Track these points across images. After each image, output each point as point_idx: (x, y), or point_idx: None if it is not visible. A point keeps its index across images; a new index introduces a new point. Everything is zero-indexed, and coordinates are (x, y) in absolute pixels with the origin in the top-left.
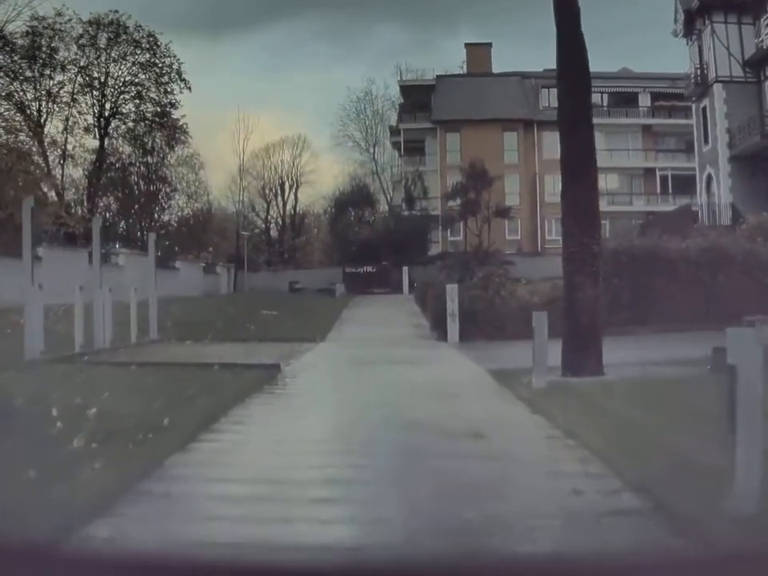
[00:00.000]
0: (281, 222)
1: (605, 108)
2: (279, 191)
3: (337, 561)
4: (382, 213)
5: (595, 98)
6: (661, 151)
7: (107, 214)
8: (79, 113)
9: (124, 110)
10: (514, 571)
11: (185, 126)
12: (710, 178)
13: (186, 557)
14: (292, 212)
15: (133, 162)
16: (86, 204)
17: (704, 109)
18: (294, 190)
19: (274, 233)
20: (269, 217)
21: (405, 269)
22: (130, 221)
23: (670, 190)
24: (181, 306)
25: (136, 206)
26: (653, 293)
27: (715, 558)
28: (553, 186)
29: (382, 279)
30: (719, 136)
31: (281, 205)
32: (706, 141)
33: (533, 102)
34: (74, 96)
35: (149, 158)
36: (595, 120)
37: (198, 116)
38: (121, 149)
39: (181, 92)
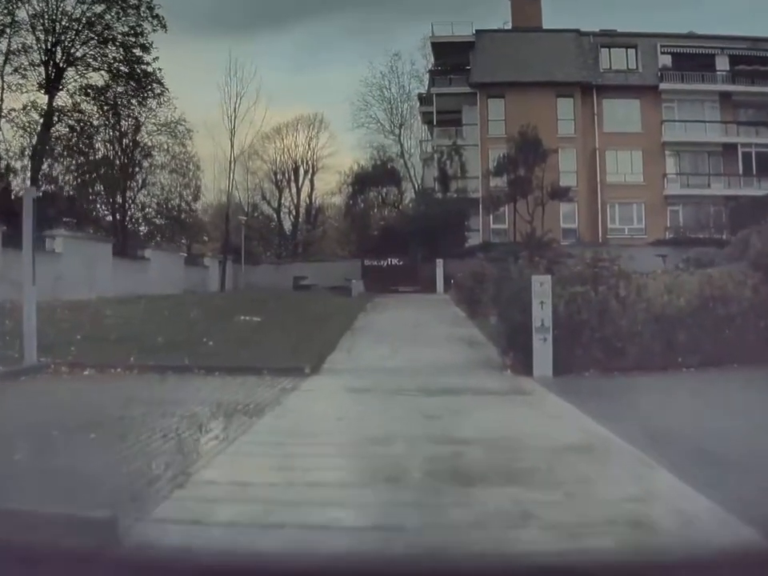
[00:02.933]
0: (294, 212)
1: (675, 72)
2: (293, 177)
3: (336, 560)
4: (410, 200)
5: (663, 59)
6: (742, 124)
7: (60, 188)
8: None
9: (82, 56)
10: (514, 571)
11: (160, 75)
12: None
13: (186, 557)
14: (307, 200)
15: (102, 124)
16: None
17: None
18: (309, 176)
19: (288, 224)
20: (281, 205)
21: (439, 262)
22: (94, 197)
23: (754, 171)
24: (126, 308)
25: (95, 179)
26: None
27: (716, 559)
28: (616, 164)
29: (410, 275)
30: None
31: (294, 192)
32: None
33: (591, 63)
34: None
35: (122, 121)
36: (664, 85)
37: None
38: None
39: (154, 31)
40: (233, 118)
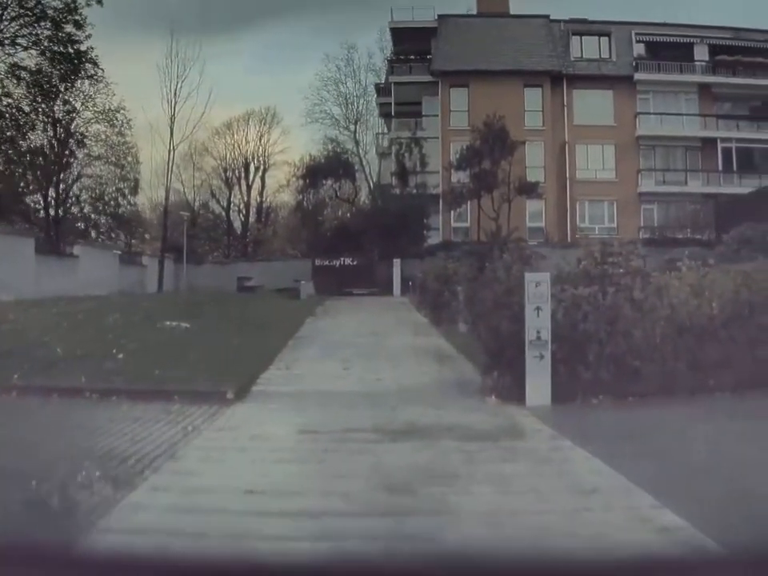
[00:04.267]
0: (244, 210)
1: (651, 62)
2: (243, 174)
3: (334, 561)
4: (366, 195)
5: (638, 48)
6: (723, 117)
7: None
8: None
9: (11, 36)
10: (515, 572)
11: (94, 55)
12: None
13: (185, 557)
14: (258, 198)
15: (33, 110)
16: None
17: None
18: (261, 173)
19: (239, 223)
20: (231, 203)
21: (396, 262)
22: (23, 190)
23: (735, 167)
24: (36, 313)
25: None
26: None
27: (716, 559)
28: (586, 159)
29: (365, 275)
30: None
31: (244, 190)
32: None
33: (562, 51)
34: None
35: (55, 107)
36: (639, 76)
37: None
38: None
39: (88, 5)
40: (173, 103)
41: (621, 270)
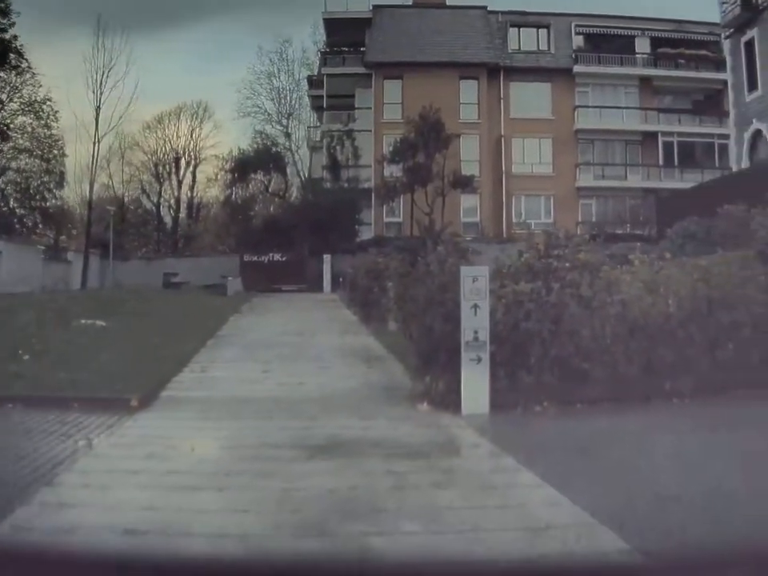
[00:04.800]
0: (175, 205)
1: (591, 54)
2: (174, 168)
3: (332, 562)
4: (296, 190)
5: (578, 40)
6: (664, 111)
7: None
8: None
9: None
10: (514, 572)
11: (19, 45)
12: (756, 136)
13: (184, 557)
14: (189, 193)
15: None
16: None
17: (749, 43)
18: (192, 168)
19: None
20: (161, 198)
21: (326, 258)
22: None
23: (676, 161)
24: None
25: None
26: None
27: (715, 558)
28: (522, 153)
29: (295, 272)
30: None
31: (175, 185)
32: (753, 86)
33: (499, 43)
34: None
35: None
36: (579, 68)
37: None
38: None
39: None
40: (98, 94)
41: (567, 264)
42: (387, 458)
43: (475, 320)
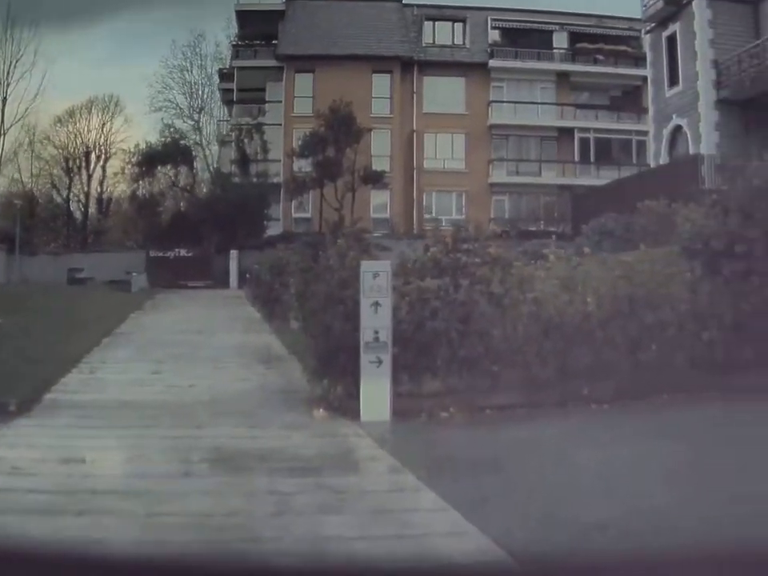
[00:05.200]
0: (84, 200)
1: (507, 49)
2: (84, 163)
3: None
4: (204, 184)
5: (494, 35)
6: (581, 107)
7: None
8: None
9: None
10: (513, 572)
11: None
12: (675, 132)
13: (183, 557)
14: (99, 188)
15: None
16: None
17: (671, 38)
18: (102, 162)
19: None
20: (71, 193)
21: (233, 254)
22: None
23: (593, 158)
24: None
25: None
26: None
27: (715, 558)
28: (435, 148)
29: (202, 268)
30: (701, 72)
31: (85, 179)
32: (674, 82)
33: (414, 36)
34: None
35: None
36: (494, 63)
37: None
38: None
39: None
40: (5, 85)
41: (477, 260)
42: (273, 475)
43: (376, 319)
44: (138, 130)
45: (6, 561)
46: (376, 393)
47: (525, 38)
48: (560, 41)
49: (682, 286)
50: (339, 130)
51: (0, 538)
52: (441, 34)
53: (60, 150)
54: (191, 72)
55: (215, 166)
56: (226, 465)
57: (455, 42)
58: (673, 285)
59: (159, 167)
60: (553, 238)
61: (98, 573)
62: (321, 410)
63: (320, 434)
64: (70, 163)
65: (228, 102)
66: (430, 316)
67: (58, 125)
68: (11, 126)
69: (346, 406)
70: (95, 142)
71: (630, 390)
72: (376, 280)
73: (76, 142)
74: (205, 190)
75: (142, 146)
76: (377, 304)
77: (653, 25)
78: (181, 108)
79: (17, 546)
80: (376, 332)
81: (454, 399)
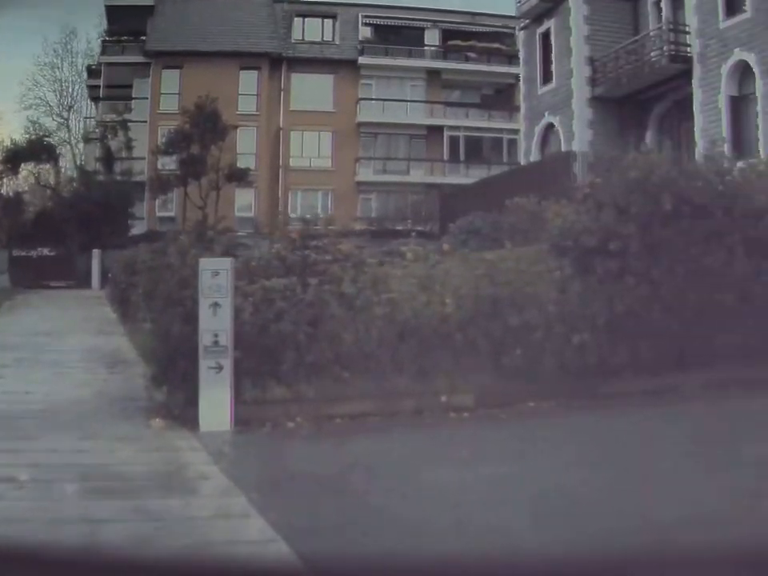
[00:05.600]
0: None
1: (378, 46)
2: None
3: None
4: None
5: (365, 31)
6: (452, 105)
7: None
8: None
9: None
10: (513, 571)
11: None
12: (548, 129)
13: (183, 557)
14: None
15: None
16: None
17: (545, 35)
18: None
19: None
20: None
21: (95, 253)
22: None
23: (462, 156)
24: None
25: None
26: None
27: (715, 558)
28: (301, 146)
29: (65, 268)
30: (575, 69)
31: None
32: (547, 79)
33: (284, 33)
34: None
35: None
36: (364, 60)
37: None
38: None
39: None
40: None
41: (327, 257)
42: (87, 499)
43: (215, 321)
44: (6, 127)
45: (6, 561)
46: (216, 401)
47: (396, 34)
48: (432, 38)
49: (551, 286)
50: (204, 127)
51: (0, 538)
52: (311, 31)
53: None
54: (62, 69)
55: (80, 164)
56: (39, 486)
57: (325, 39)
58: (540, 284)
59: (23, 165)
60: (413, 236)
61: (97, 573)
62: (158, 419)
63: (152, 447)
64: None
65: (95, 99)
66: (275, 318)
67: None
68: None
69: (186, 415)
70: None
71: (493, 397)
72: (215, 279)
73: None
74: (69, 188)
75: (5, 143)
76: (216, 305)
77: (527, 21)
78: (51, 105)
79: (17, 546)
80: (216, 335)
81: (303, 407)
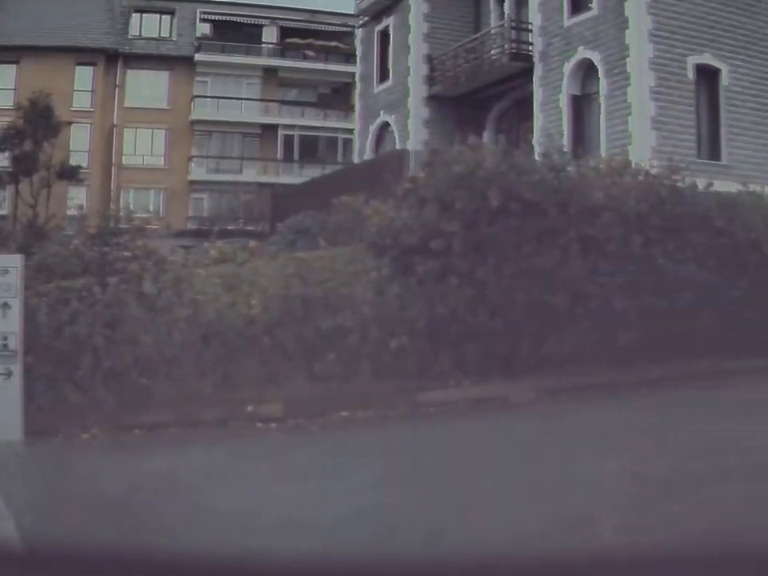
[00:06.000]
0: None
1: (215, 43)
2: None
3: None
4: None
5: (203, 28)
6: (287, 104)
7: None
8: None
9: None
10: (513, 570)
11: None
12: (383, 128)
13: (183, 557)
14: None
15: None
16: None
17: (384, 32)
18: None
19: None
20: None
21: None
22: None
23: (296, 156)
24: None
25: None
26: None
27: (715, 558)
28: (134, 144)
29: None
30: (413, 67)
31: None
32: (384, 77)
33: (121, 28)
34: None
35: None
36: (200, 57)
37: None
38: None
39: None
40: None
41: (127, 254)
42: None
43: (4, 323)
44: None
45: (7, 561)
46: (5, 410)
47: (235, 32)
48: (270, 36)
49: (367, 287)
50: (37, 124)
51: (0, 538)
52: (148, 27)
53: None
54: None
55: None
56: None
57: (162, 35)
58: (356, 285)
59: None
60: (243, 240)
61: (97, 572)
62: None
63: None
64: None
65: None
66: (70, 320)
67: None
68: None
69: None
70: None
71: (305, 406)
72: (5, 277)
73: None
74: None
75: None
76: (5, 305)
77: (366, 19)
78: None
79: (17, 546)
80: (5, 338)
81: (101, 416)
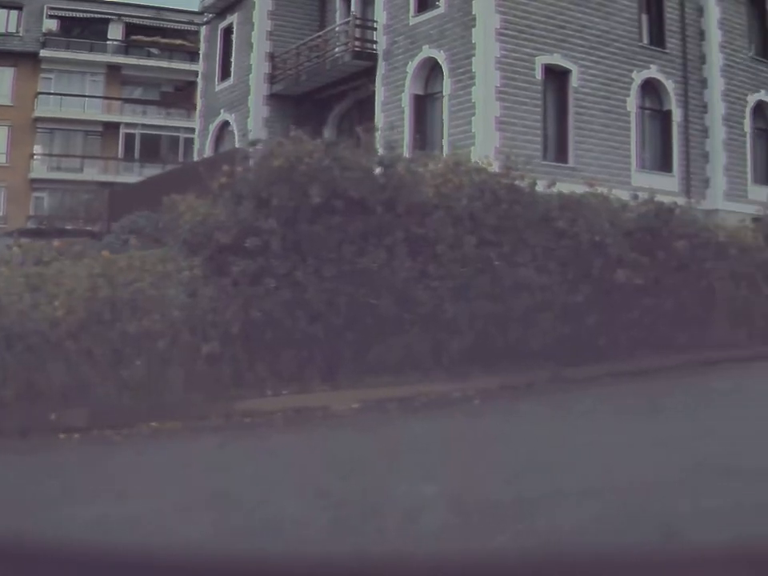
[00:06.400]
0: None
1: (61, 39)
2: None
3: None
4: None
5: (50, 23)
6: (129, 101)
7: None
8: None
9: None
10: (513, 570)
11: None
12: (223, 127)
13: (184, 557)
14: None
15: None
16: None
17: (227, 30)
18: None
19: None
20: None
21: None
22: None
23: (137, 155)
24: None
25: None
26: None
27: (714, 558)
28: None
29: None
30: (255, 65)
31: None
32: (225, 75)
33: None
34: None
35: None
36: (45, 53)
37: None
38: None
39: None
40: None
41: None
42: None
43: None
44: None
45: (7, 561)
46: None
47: (82, 28)
48: (115, 32)
49: (179, 288)
50: None
51: (0, 538)
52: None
53: None
54: None
55: None
56: None
57: (8, 30)
58: (167, 286)
59: None
60: (81, 240)
61: (97, 572)
62: None
63: None
64: None
65: None
66: None
67: None
68: None
69: None
70: None
71: (111, 415)
72: None
73: None
74: None
75: None
76: None
77: (211, 16)
78: None
79: (17, 546)
80: None
81: None
